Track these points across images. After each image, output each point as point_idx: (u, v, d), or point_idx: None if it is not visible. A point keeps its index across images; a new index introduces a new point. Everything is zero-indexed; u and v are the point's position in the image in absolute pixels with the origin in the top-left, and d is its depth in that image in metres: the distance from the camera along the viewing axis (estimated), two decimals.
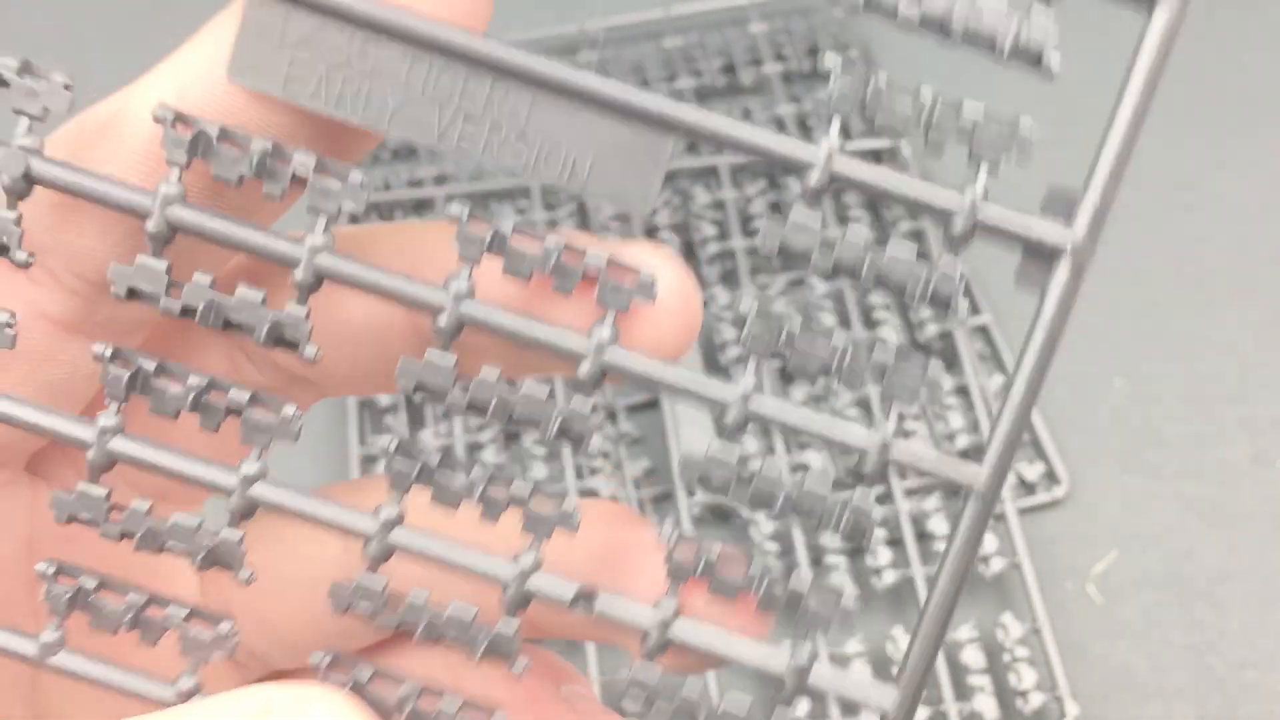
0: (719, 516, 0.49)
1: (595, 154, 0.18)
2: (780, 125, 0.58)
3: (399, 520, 0.18)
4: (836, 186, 0.17)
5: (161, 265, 0.17)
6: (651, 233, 0.55)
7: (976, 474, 0.18)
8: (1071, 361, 0.51)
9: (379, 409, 0.52)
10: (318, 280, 0.18)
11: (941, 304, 0.18)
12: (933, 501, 0.48)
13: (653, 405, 0.51)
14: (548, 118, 0.18)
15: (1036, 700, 0.44)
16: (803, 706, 0.45)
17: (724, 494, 0.18)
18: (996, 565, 0.47)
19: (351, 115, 0.18)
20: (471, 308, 0.17)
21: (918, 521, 0.48)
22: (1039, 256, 0.18)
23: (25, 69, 0.17)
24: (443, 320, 0.18)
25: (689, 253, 0.55)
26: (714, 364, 0.52)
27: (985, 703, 0.44)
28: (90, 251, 0.18)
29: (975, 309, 0.53)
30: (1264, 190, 0.56)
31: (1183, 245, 0.54)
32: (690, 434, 0.49)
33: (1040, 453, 0.50)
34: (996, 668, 0.45)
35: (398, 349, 0.19)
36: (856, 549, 0.48)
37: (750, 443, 0.49)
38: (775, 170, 0.57)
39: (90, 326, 0.19)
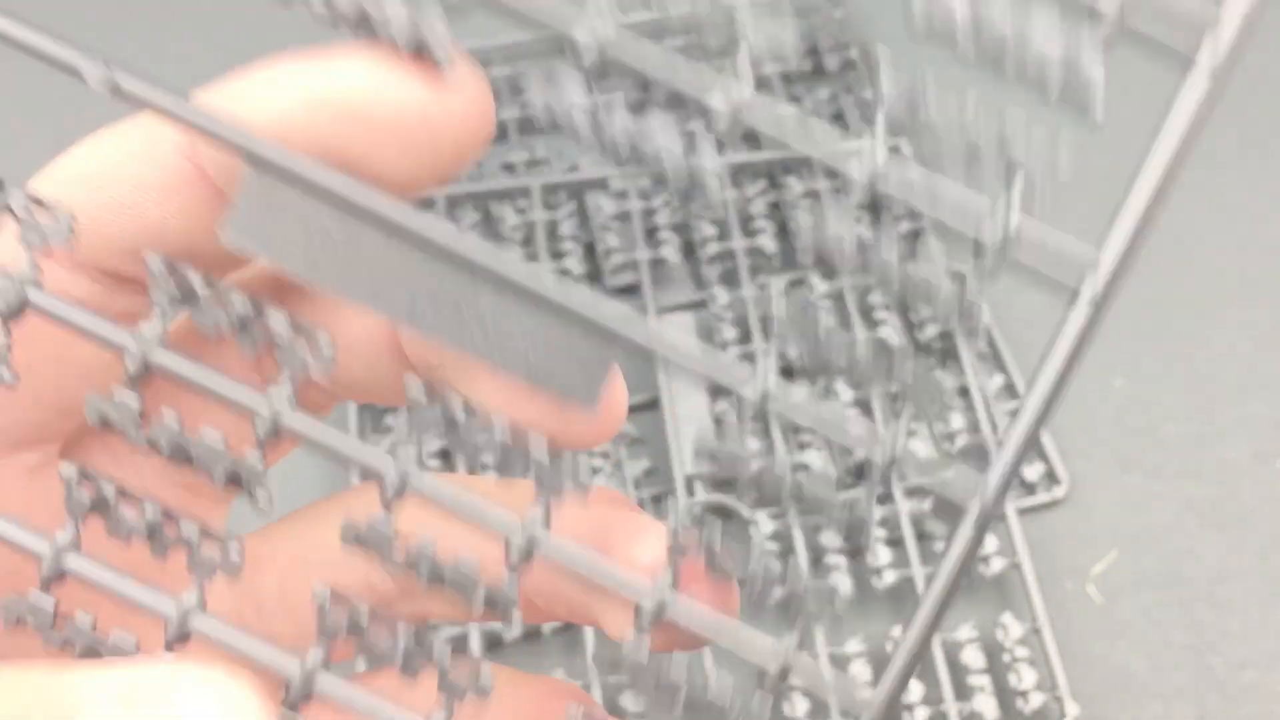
0: (719, 516, 0.49)
1: (547, 350, 0.19)
2: None
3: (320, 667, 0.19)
4: (772, 409, 0.19)
5: (135, 401, 0.19)
6: (652, 233, 0.55)
7: (869, 702, 0.18)
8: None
9: (378, 409, 0.52)
10: (277, 431, 0.19)
11: (855, 535, 0.19)
12: (933, 501, 0.48)
13: (653, 405, 0.51)
14: (508, 311, 0.19)
15: (1036, 700, 0.44)
16: (802, 705, 0.45)
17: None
18: (996, 565, 0.47)
19: (325, 284, 0.19)
20: (418, 480, 0.19)
21: (918, 522, 0.48)
22: (949, 507, 0.19)
23: (36, 203, 0.19)
24: (389, 489, 0.19)
25: (689, 252, 0.55)
26: None
27: (985, 703, 0.44)
28: (107, 252, 0.20)
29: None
30: (1264, 190, 0.56)
31: (1183, 245, 0.54)
32: (690, 434, 0.50)
33: (1040, 453, 0.50)
34: (996, 668, 0.45)
35: (394, 366, 0.21)
36: (856, 550, 0.48)
37: (750, 442, 0.49)
38: (775, 171, 0.57)
39: (112, 312, 0.20)
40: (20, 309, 0.19)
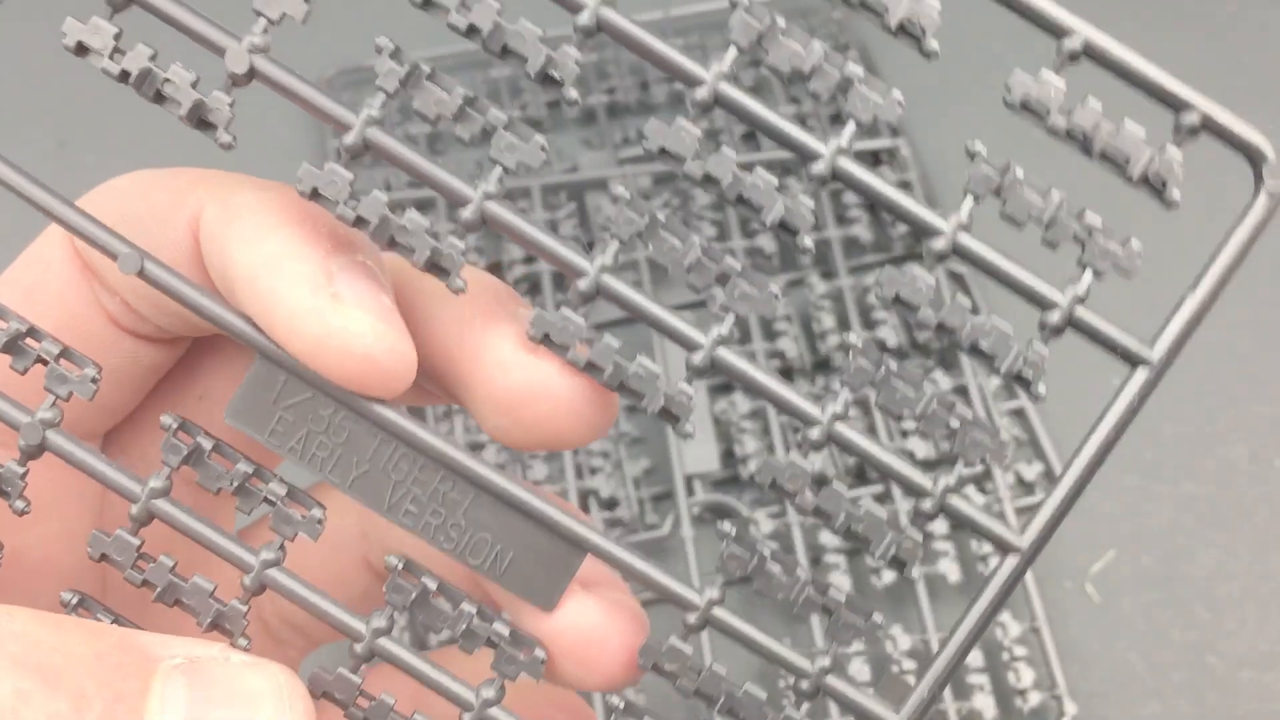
0: (719, 516, 0.49)
1: (516, 551, 0.21)
2: None
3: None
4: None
5: (135, 542, 0.20)
6: None
7: None
8: (1070, 360, 0.51)
9: None
10: (262, 588, 0.20)
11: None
12: None
13: None
14: (482, 513, 0.21)
15: (1035, 699, 0.44)
16: (803, 706, 0.45)
17: None
18: (995, 564, 0.47)
19: (319, 472, 0.21)
20: (385, 645, 0.20)
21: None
22: None
23: (64, 354, 0.20)
24: (359, 649, 0.20)
25: None
26: None
27: (984, 701, 0.44)
28: (122, 284, 0.22)
29: (975, 309, 0.53)
30: None
31: (1180, 244, 0.54)
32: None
33: (1039, 453, 0.50)
34: (995, 666, 0.45)
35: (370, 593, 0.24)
36: (855, 548, 0.48)
37: (750, 442, 0.49)
38: (774, 172, 0.57)
39: (136, 332, 0.22)
40: (40, 452, 0.20)
